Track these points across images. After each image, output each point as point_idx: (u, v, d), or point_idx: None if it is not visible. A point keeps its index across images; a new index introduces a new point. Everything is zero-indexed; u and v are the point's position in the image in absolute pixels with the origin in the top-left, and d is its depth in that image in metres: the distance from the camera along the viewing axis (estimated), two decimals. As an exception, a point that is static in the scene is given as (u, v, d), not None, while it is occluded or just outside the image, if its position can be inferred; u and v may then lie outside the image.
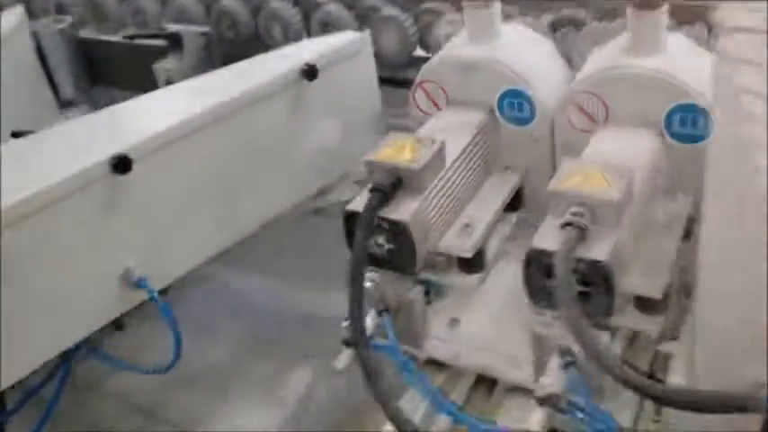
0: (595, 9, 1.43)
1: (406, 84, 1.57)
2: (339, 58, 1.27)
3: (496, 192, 1.09)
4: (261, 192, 1.22)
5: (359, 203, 0.92)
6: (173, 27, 1.75)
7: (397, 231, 0.90)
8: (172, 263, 1.11)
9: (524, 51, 1.13)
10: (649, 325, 0.91)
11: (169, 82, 1.70)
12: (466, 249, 0.98)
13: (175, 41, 1.72)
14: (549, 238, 0.83)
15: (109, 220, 1.02)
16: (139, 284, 1.03)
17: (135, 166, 1.01)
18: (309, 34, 1.68)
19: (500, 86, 1.09)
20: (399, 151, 0.95)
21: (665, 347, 0.95)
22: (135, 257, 1.04)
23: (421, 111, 1.18)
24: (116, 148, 1.00)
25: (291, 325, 1.90)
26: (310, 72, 1.20)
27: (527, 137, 1.11)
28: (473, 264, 1.02)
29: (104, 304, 1.04)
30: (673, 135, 1.01)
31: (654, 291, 0.87)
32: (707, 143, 0.98)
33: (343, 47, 1.28)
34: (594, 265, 0.79)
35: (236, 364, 1.78)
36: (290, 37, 1.68)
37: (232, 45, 1.77)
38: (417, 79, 1.16)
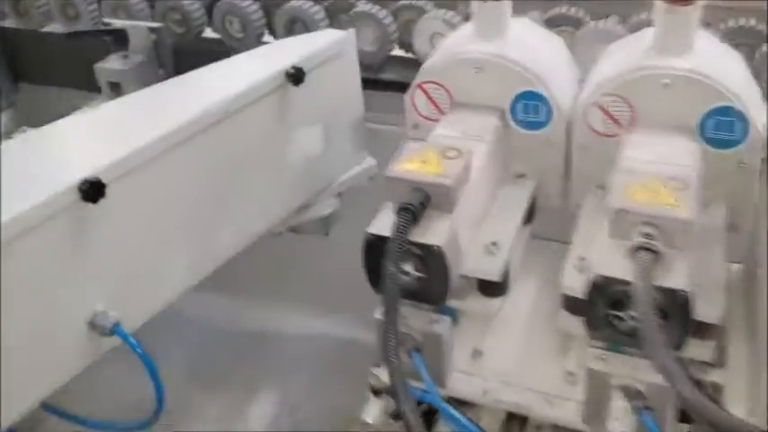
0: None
1: (382, 86, 1.47)
2: (324, 60, 1.14)
3: (514, 204, 0.99)
4: (244, 211, 1.08)
5: (382, 226, 0.81)
6: (117, 22, 1.56)
7: (430, 257, 0.79)
8: (147, 301, 0.95)
9: (538, 49, 1.03)
10: (701, 351, 0.83)
11: (113, 84, 1.52)
12: (494, 272, 0.88)
13: (120, 39, 1.53)
14: (614, 263, 0.73)
15: (75, 257, 0.85)
16: (113, 330, 0.87)
17: (108, 192, 0.84)
18: (273, 32, 1.54)
19: (514, 88, 0.99)
20: (424, 164, 0.84)
21: (713, 376, 0.87)
22: (106, 298, 0.88)
23: (419, 115, 1.07)
24: (85, 171, 0.83)
25: (248, 349, 1.76)
26: (297, 76, 1.06)
27: (541, 142, 1.02)
28: (496, 286, 0.91)
29: (70, 356, 0.87)
30: (707, 140, 0.93)
31: (714, 315, 0.79)
32: (742, 148, 0.92)
33: (327, 47, 1.14)
34: (673, 294, 0.70)
35: (187, 399, 1.62)
36: (251, 34, 1.53)
37: (182, 43, 1.61)
38: (417, 80, 1.05)
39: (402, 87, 1.31)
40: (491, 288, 0.91)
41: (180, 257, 1.00)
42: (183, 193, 0.98)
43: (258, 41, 1.57)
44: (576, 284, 0.85)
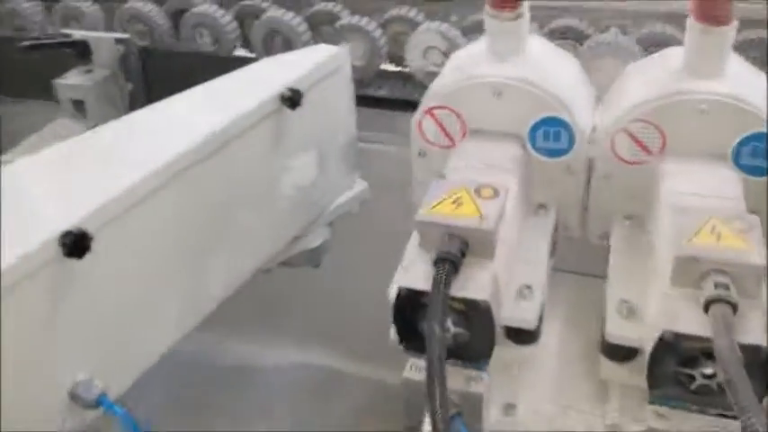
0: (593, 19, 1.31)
1: (372, 102, 1.39)
2: (319, 79, 1.04)
3: (540, 238, 0.91)
4: (237, 250, 0.98)
5: (415, 278, 0.72)
6: (79, 33, 1.42)
7: (473, 312, 0.71)
8: (135, 361, 0.83)
9: (557, 71, 0.96)
10: None
11: (75, 102, 1.39)
12: (531, 319, 0.80)
13: (82, 51, 1.40)
14: (684, 317, 0.66)
15: (54, 321, 0.72)
16: (98, 402, 0.75)
17: (94, 245, 0.72)
18: (248, 44, 1.44)
19: (535, 114, 0.92)
20: (457, 205, 0.75)
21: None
22: (89, 365, 0.76)
23: (427, 142, 0.98)
24: (67, 221, 0.71)
25: (223, 384, 1.65)
26: (293, 99, 0.96)
27: (562, 170, 0.95)
28: (529, 333, 0.83)
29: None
30: (742, 167, 0.88)
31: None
32: None
33: (322, 65, 1.05)
34: (754, 350, 0.64)
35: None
36: (224, 47, 1.42)
37: (152, 56, 1.48)
38: (425, 105, 0.96)
39: (391, 104, 1.23)
40: (524, 335, 0.83)
41: (170, 309, 0.89)
42: (172, 237, 0.87)
43: (231, 54, 1.47)
44: (623, 332, 0.79)
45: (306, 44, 1.41)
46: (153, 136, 0.92)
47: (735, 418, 0.68)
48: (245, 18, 1.47)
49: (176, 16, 1.49)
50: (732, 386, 0.59)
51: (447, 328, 0.71)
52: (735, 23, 0.84)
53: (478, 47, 0.98)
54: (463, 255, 0.72)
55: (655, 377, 0.69)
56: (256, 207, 1.00)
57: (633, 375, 0.83)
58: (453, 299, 0.70)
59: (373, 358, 1.69)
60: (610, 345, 0.82)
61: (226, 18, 1.42)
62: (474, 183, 0.78)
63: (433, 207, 0.75)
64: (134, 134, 0.93)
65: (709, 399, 0.70)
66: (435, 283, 0.68)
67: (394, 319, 0.74)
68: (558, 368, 0.93)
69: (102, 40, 1.42)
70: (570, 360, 0.94)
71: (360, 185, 1.23)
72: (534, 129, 0.93)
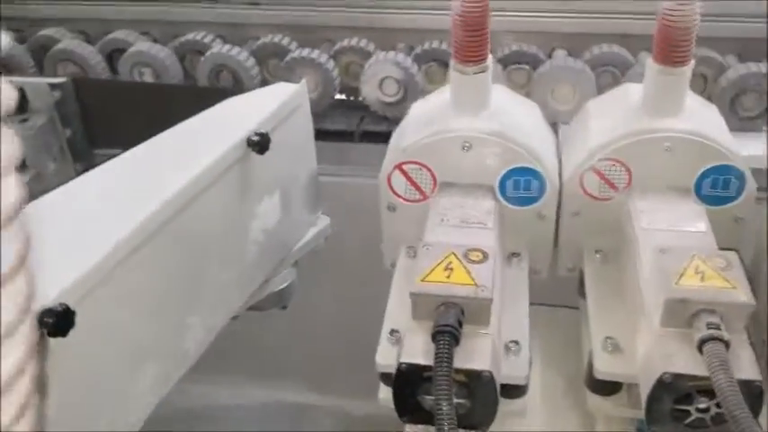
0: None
1: (324, 135, 1.37)
2: (283, 118, 1.01)
3: (518, 289, 0.92)
4: (210, 305, 0.95)
5: (416, 352, 0.72)
6: (12, 80, 1.34)
7: (476, 383, 0.71)
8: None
9: (522, 120, 0.97)
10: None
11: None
12: (522, 375, 0.81)
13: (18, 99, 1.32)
14: (679, 358, 0.70)
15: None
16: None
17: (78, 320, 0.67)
18: (191, 80, 1.40)
19: (506, 164, 0.93)
20: (450, 272, 0.76)
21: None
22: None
23: (397, 196, 0.98)
24: (47, 297, 0.65)
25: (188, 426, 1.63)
26: (261, 143, 0.94)
27: (532, 217, 0.96)
28: (520, 387, 0.85)
29: None
30: (703, 198, 0.92)
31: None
32: (738, 204, 0.92)
33: (285, 104, 1.02)
34: (748, 385, 0.67)
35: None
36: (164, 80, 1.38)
37: (89, 99, 1.42)
38: (394, 160, 0.96)
39: (342, 136, 1.23)
40: (514, 389, 0.85)
41: (147, 376, 0.86)
42: (147, 301, 0.84)
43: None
44: (610, 369, 0.82)
45: (254, 79, 1.38)
46: (121, 196, 0.87)
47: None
48: (186, 54, 1.43)
49: (113, 56, 1.44)
50: (737, 421, 0.62)
51: (452, 403, 0.72)
52: (692, 63, 0.87)
53: (440, 98, 0.98)
54: (461, 325, 0.72)
55: (653, 414, 0.72)
56: (227, 257, 0.98)
57: (618, 407, 0.86)
58: (456, 371, 0.70)
59: (338, 391, 1.70)
60: (596, 380, 0.84)
61: (167, 55, 1.37)
62: (462, 247, 0.79)
63: (426, 276, 0.76)
64: (101, 196, 0.88)
65: (703, 431, 0.73)
66: (438, 358, 0.68)
67: (394, 395, 0.74)
68: (545, 404, 0.96)
69: (37, 85, 1.35)
70: (555, 395, 0.97)
71: (323, 221, 1.22)
72: (504, 179, 0.94)
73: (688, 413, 0.72)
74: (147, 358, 0.86)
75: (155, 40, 1.47)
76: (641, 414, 0.76)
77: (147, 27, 1.50)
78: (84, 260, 0.73)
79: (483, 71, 0.90)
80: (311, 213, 1.19)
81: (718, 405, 0.69)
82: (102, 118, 1.38)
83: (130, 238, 0.78)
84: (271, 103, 1.01)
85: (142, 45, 1.39)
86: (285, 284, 1.16)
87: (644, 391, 0.74)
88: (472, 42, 0.87)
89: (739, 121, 1.26)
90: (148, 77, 1.41)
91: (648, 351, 0.75)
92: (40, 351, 0.66)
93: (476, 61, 0.89)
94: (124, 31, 1.47)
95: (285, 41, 1.38)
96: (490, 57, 0.90)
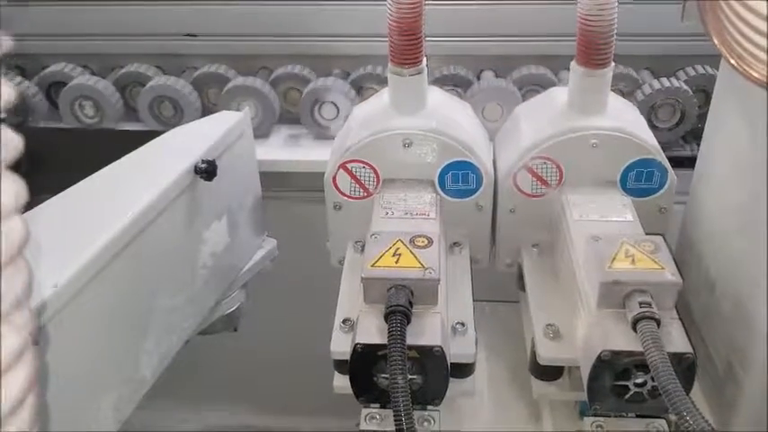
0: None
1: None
2: (228, 146, 1.05)
3: (461, 275, 0.97)
4: (165, 331, 0.96)
5: (371, 333, 0.75)
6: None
7: (428, 358, 0.75)
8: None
9: (457, 117, 1.03)
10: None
11: None
12: (470, 353, 0.85)
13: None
14: (617, 336, 0.74)
15: None
16: None
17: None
18: (132, 111, 1.41)
19: (444, 159, 0.98)
20: (398, 257, 0.79)
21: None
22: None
23: (343, 195, 1.02)
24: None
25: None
26: (209, 170, 0.96)
27: (471, 208, 1.02)
28: (467, 366, 0.88)
29: None
30: (628, 191, 0.99)
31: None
32: (660, 195, 0.99)
33: (229, 131, 1.05)
34: (680, 357, 0.72)
35: None
36: (109, 117, 1.38)
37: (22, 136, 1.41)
38: (339, 160, 1.00)
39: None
40: (462, 369, 0.88)
41: (104, 405, 0.85)
42: (100, 332, 0.84)
43: (116, 124, 1.43)
44: (553, 354, 0.86)
45: (195, 108, 1.40)
46: (72, 227, 0.87)
47: (660, 417, 0.80)
48: (127, 86, 1.44)
49: (51, 90, 1.44)
50: (668, 393, 0.67)
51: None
52: (612, 65, 0.94)
53: (380, 100, 1.03)
54: (411, 304, 0.75)
55: (594, 392, 0.76)
56: (179, 283, 0.99)
57: (562, 391, 0.90)
58: (408, 347, 0.73)
59: (291, 411, 1.69)
60: (540, 366, 0.88)
61: (108, 88, 1.38)
62: (407, 234, 0.82)
63: (376, 262, 0.79)
64: (52, 227, 0.87)
65: (641, 404, 0.77)
66: (392, 336, 0.71)
67: (351, 375, 0.76)
68: (493, 394, 0.99)
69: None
70: (501, 387, 1.00)
71: (269, 243, 1.24)
72: (443, 173, 0.99)
73: (627, 389, 0.76)
74: (103, 386, 0.86)
75: (93, 73, 1.48)
76: (583, 396, 0.80)
77: (84, 60, 1.50)
78: (38, 293, 0.73)
79: (419, 72, 0.95)
80: (257, 236, 1.21)
81: (653, 379, 0.73)
82: (45, 163, 1.37)
83: (83, 269, 0.79)
84: (216, 131, 1.05)
85: (82, 78, 1.39)
86: (235, 307, 1.18)
87: (585, 371, 0.78)
88: (407, 46, 0.92)
89: (656, 133, 1.34)
90: (89, 110, 1.41)
91: (587, 332, 0.80)
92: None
93: (411, 64, 0.94)
94: (61, 65, 1.47)
95: (223, 70, 1.41)
96: (425, 59, 0.95)
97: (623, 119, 0.98)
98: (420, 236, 0.82)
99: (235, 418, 1.75)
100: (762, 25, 0.60)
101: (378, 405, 0.81)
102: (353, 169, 1.00)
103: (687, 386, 0.73)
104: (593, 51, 0.91)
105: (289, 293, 1.49)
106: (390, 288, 0.77)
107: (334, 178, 1.01)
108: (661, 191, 0.99)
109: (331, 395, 0.86)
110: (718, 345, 0.92)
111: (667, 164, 0.97)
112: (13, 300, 0.42)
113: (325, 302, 0.94)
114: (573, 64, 0.95)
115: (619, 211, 0.94)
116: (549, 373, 0.90)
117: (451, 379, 0.85)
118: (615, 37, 0.91)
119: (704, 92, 1.34)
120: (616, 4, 0.88)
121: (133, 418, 0.89)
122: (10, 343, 0.42)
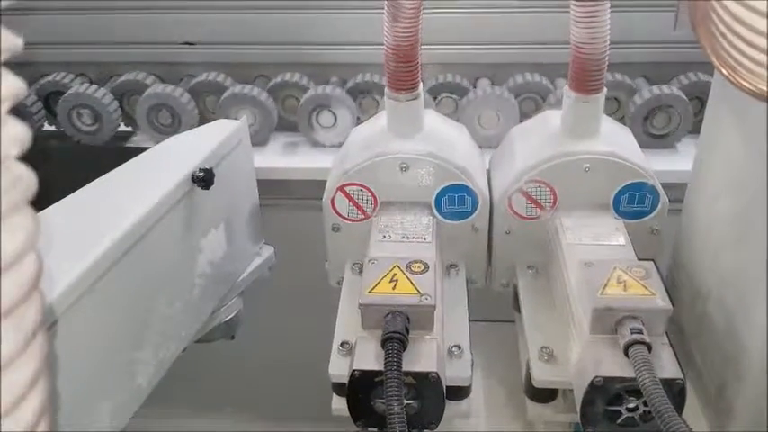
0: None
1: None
2: (225, 154, 1.06)
3: (458, 297, 0.98)
4: (163, 340, 0.97)
5: (368, 359, 0.77)
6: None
7: (424, 384, 0.76)
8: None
9: (453, 141, 1.05)
10: None
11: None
12: (466, 377, 0.86)
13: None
14: (610, 362, 0.75)
15: None
16: None
17: None
18: (129, 120, 1.43)
19: (441, 182, 1.00)
20: (395, 283, 0.81)
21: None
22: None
23: (341, 217, 1.03)
24: None
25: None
26: (206, 178, 0.98)
27: (467, 230, 1.03)
28: (463, 389, 0.90)
29: None
30: (621, 213, 1.00)
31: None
32: (652, 217, 1.01)
33: (227, 140, 1.07)
34: (670, 383, 0.73)
35: None
36: (106, 126, 1.39)
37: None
38: (337, 183, 1.01)
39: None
40: (458, 391, 0.89)
41: (102, 413, 0.87)
42: (98, 340, 0.85)
43: (114, 132, 1.45)
44: (548, 377, 0.87)
45: (192, 116, 1.41)
46: (70, 236, 0.88)
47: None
48: (124, 94, 1.46)
49: (50, 98, 1.46)
50: (662, 416, 0.68)
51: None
52: (605, 90, 0.96)
53: (377, 123, 1.05)
54: (407, 330, 0.77)
55: (587, 416, 0.77)
56: (176, 292, 1.00)
57: (557, 413, 0.92)
58: (405, 374, 0.75)
59: (290, 418, 1.69)
60: (534, 388, 0.89)
61: (106, 97, 1.40)
62: (404, 260, 0.84)
63: (373, 288, 0.80)
64: (50, 236, 0.89)
65: (633, 428, 0.79)
66: (388, 362, 0.73)
67: (348, 401, 0.77)
68: (489, 415, 1.00)
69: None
70: (497, 406, 1.02)
71: (267, 250, 1.26)
72: (440, 196, 1.01)
73: (619, 413, 0.78)
74: (100, 394, 0.87)
75: (91, 82, 1.49)
76: (577, 418, 0.81)
77: (81, 69, 1.52)
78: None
79: (415, 98, 0.97)
80: (255, 244, 1.23)
81: (645, 403, 0.75)
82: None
83: (80, 277, 0.80)
84: (213, 140, 1.06)
85: (81, 87, 1.41)
86: (232, 315, 1.19)
87: (578, 395, 0.79)
88: (404, 72, 0.94)
89: (652, 139, 1.37)
90: (87, 119, 1.42)
91: (580, 357, 0.82)
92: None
93: (408, 90, 0.96)
94: (59, 74, 1.49)
95: (221, 78, 1.42)
96: (421, 85, 0.97)
97: (615, 143, 1.00)
98: (416, 261, 0.84)
99: (232, 425, 1.76)
100: (753, 37, 0.60)
101: (376, 429, 0.82)
102: (351, 192, 1.01)
103: (678, 410, 0.75)
104: (585, 78, 0.93)
105: (286, 301, 1.50)
106: (387, 314, 0.78)
107: (332, 201, 1.02)
108: (653, 213, 1.00)
109: (329, 402, 0.87)
110: (712, 356, 0.93)
111: (659, 186, 0.99)
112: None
113: (323, 309, 0.95)
114: (566, 89, 0.97)
115: (612, 235, 0.95)
116: (544, 394, 0.91)
117: (447, 401, 0.87)
118: (608, 62, 0.93)
119: (699, 99, 1.37)
120: (608, 33, 0.89)
121: (131, 426, 0.91)
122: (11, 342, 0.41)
